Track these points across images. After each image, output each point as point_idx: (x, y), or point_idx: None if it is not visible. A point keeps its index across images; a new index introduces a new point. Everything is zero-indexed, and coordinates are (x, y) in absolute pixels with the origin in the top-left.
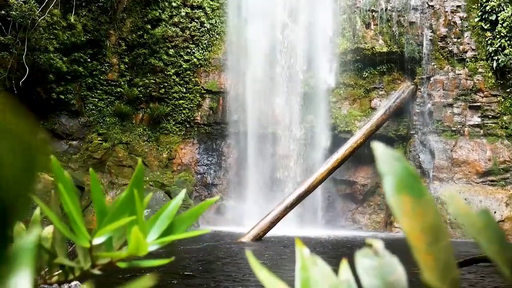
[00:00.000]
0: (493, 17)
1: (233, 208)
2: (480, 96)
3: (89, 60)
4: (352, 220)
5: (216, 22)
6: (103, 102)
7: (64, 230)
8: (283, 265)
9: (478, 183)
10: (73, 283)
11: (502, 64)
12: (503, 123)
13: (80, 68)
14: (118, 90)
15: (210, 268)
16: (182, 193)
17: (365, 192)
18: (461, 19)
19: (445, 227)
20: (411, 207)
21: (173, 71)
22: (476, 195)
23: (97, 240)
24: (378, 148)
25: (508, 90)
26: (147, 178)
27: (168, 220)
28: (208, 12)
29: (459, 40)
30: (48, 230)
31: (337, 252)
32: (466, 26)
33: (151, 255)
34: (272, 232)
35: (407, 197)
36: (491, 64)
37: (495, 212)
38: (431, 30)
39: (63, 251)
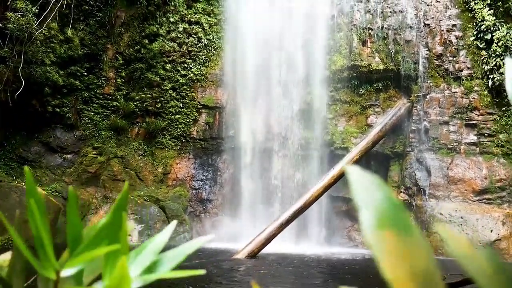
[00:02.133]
0: (488, 36)
1: (228, 224)
2: (476, 114)
3: (85, 73)
4: (348, 237)
5: (213, 37)
6: (99, 115)
7: (28, 255)
8: (273, 285)
9: (474, 201)
10: None
11: (498, 82)
12: (499, 142)
13: (76, 82)
14: (114, 104)
15: None
16: (172, 225)
17: None
18: (456, 38)
19: (439, 273)
20: (396, 246)
21: (169, 85)
22: (472, 214)
23: (67, 272)
24: (353, 172)
25: (504, 108)
26: (142, 193)
27: (153, 255)
28: (205, 28)
29: (454, 58)
30: (5, 257)
31: (332, 271)
32: (462, 45)
33: None
34: (267, 249)
35: (391, 233)
36: (486, 83)
37: (491, 231)
38: (427, 49)
39: (21, 282)
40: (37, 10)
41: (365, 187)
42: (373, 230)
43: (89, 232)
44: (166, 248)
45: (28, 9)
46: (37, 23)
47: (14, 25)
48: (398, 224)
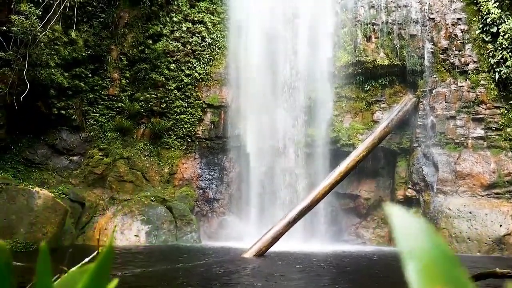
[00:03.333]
0: (494, 29)
1: (235, 223)
2: (483, 108)
3: (90, 75)
4: (355, 234)
5: (217, 36)
6: (104, 117)
7: None
8: (281, 285)
9: (483, 196)
10: None
11: (504, 76)
12: (507, 135)
13: (81, 83)
14: (119, 105)
15: None
16: None
17: (369, 206)
18: (462, 32)
19: None
20: None
21: (174, 85)
22: (481, 208)
23: None
24: (396, 215)
25: (511, 102)
26: (148, 194)
27: None
28: (209, 27)
29: (460, 52)
30: None
31: (341, 269)
32: (467, 39)
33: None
34: (275, 247)
35: None
36: (493, 76)
37: (500, 226)
38: (432, 43)
39: None
40: (40, 13)
41: (410, 234)
42: (421, 286)
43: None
44: (174, 249)
45: (32, 11)
46: (41, 25)
47: (18, 28)
48: (451, 280)
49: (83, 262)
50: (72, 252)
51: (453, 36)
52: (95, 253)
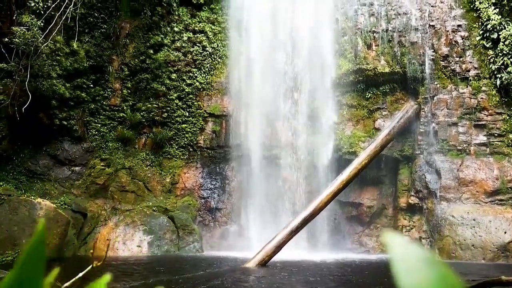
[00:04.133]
0: (495, 36)
1: (237, 233)
2: (485, 114)
3: (91, 85)
4: (359, 242)
5: (218, 46)
6: (105, 127)
7: None
8: None
9: (486, 202)
10: None
11: (506, 82)
12: (509, 141)
13: (83, 94)
14: (121, 115)
15: None
16: None
17: (372, 214)
18: (462, 38)
19: None
20: None
21: (175, 95)
22: (485, 215)
23: None
24: (395, 245)
25: None
26: (150, 204)
27: None
28: (210, 37)
29: (461, 59)
30: None
31: (344, 278)
32: (468, 45)
33: None
34: (278, 257)
35: None
36: (494, 82)
37: (505, 233)
38: (432, 50)
39: None
40: (42, 24)
41: (411, 265)
42: None
43: None
44: (176, 259)
45: (34, 23)
46: (43, 36)
47: (20, 39)
48: None
49: (76, 277)
50: (73, 264)
51: (453, 43)
52: (89, 267)
